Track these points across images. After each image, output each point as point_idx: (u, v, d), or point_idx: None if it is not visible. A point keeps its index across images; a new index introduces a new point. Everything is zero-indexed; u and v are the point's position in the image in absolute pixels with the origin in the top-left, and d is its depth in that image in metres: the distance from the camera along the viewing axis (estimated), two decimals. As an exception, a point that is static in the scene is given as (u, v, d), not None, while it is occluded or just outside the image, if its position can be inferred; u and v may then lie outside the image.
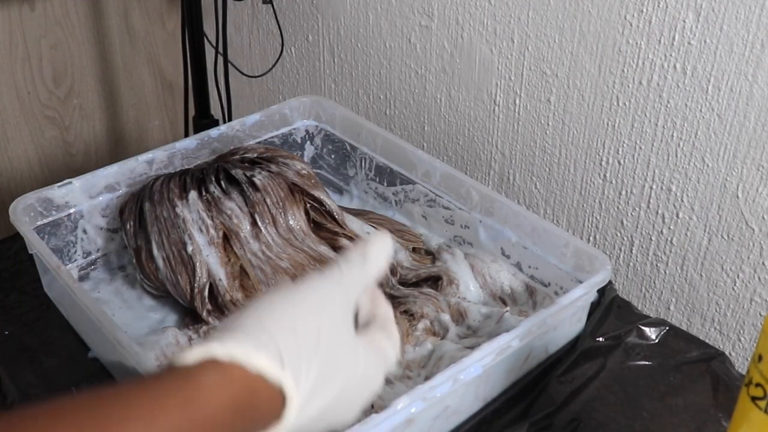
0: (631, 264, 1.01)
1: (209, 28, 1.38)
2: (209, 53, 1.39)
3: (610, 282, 0.80)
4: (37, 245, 0.78)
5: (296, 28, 1.38)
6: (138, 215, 0.86)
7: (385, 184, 0.98)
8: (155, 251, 0.83)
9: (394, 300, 0.82)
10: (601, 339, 0.79)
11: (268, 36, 1.47)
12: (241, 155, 0.91)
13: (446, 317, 0.80)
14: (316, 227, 0.89)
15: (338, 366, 0.44)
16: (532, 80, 1.02)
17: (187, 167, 0.92)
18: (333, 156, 1.05)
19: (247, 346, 0.40)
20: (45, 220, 0.85)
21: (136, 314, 0.84)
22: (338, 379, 0.44)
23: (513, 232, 0.85)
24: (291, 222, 0.87)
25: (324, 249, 0.86)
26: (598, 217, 1.03)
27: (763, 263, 0.88)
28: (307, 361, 0.42)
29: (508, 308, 0.81)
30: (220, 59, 1.42)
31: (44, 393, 0.73)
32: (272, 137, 1.02)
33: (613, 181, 0.99)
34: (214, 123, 1.28)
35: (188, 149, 0.95)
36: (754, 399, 0.48)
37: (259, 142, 1.00)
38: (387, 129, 1.27)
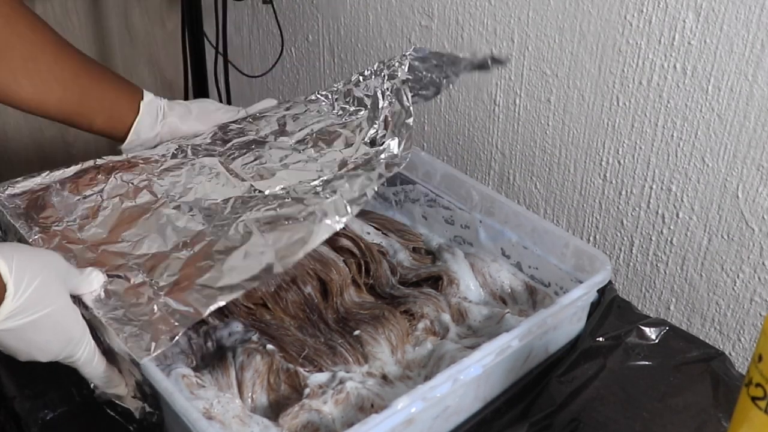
0: (631, 264, 1.01)
1: (209, 28, 1.38)
2: (209, 53, 1.39)
3: (610, 282, 0.80)
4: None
5: (296, 28, 1.38)
6: (138, 215, 0.85)
7: (385, 184, 0.98)
8: (155, 251, 0.83)
9: (394, 300, 0.82)
10: (601, 339, 0.79)
11: (268, 36, 1.47)
12: (241, 155, 0.91)
13: (446, 317, 0.79)
14: (316, 227, 0.88)
15: (50, 295, 0.62)
16: (532, 80, 1.02)
17: (187, 167, 0.92)
18: (333, 156, 1.05)
19: None
20: (45, 220, 0.85)
21: (136, 314, 0.84)
22: (48, 302, 0.61)
23: (513, 232, 0.85)
24: (291, 222, 0.87)
25: (324, 249, 0.86)
26: (598, 217, 1.03)
27: (763, 263, 0.88)
28: (23, 268, 0.60)
29: (508, 309, 0.81)
30: (220, 59, 1.42)
31: (43, 393, 0.73)
32: (272, 137, 1.02)
33: (613, 181, 0.99)
34: (214, 123, 1.28)
35: (188, 149, 0.94)
36: (754, 399, 0.48)
37: (259, 142, 1.00)
38: (387, 129, 1.26)
